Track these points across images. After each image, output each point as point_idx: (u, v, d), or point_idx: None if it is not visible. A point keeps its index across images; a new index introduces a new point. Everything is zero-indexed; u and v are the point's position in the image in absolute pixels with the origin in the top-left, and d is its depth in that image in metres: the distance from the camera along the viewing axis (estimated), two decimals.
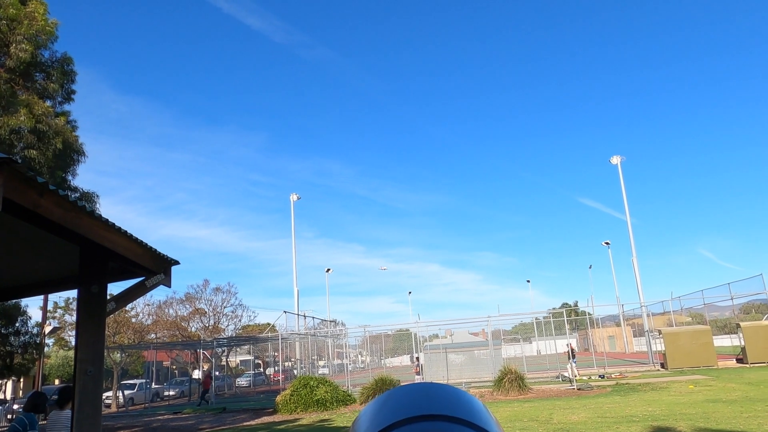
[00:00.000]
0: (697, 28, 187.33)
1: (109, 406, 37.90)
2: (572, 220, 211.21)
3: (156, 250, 7.16)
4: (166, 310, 49.06)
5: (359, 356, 74.52)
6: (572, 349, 29.79)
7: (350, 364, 51.51)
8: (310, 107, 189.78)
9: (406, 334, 67.20)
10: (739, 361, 32.33)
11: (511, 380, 24.14)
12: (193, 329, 50.02)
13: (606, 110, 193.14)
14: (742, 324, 32.60)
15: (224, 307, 50.29)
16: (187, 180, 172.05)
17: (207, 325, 49.36)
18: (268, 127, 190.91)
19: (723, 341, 48.03)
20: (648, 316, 43.02)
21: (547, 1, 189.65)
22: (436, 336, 45.56)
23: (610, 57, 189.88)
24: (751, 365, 30.02)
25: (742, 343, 31.73)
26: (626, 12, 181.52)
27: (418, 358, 33.62)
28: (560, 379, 30.97)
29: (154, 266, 7.21)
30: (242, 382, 55.34)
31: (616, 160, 53.39)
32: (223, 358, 51.53)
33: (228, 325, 51.31)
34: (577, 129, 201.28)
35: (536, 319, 52.13)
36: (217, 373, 45.47)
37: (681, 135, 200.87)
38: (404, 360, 72.08)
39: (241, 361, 68.48)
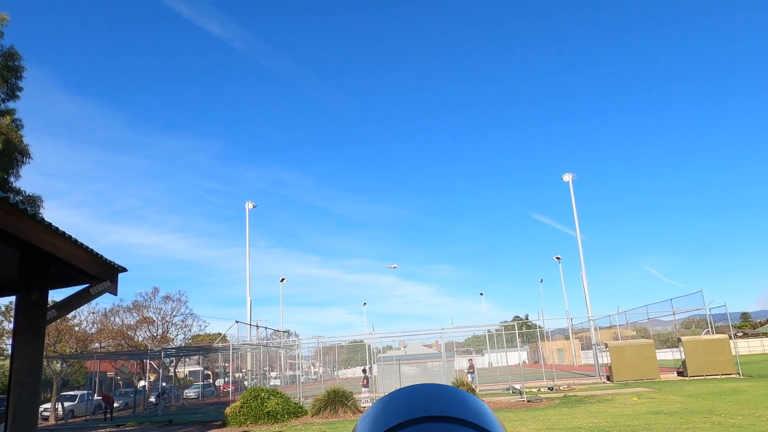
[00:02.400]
0: (644, 57, 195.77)
1: (47, 418, 36.16)
2: (525, 235, 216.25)
3: (102, 256, 6.91)
4: (112, 319, 47.31)
5: (312, 367, 73.73)
6: (471, 365, 31.81)
7: (302, 376, 50.87)
8: (269, 116, 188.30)
9: (360, 346, 66.94)
10: (679, 374, 33.60)
11: None
12: (140, 338, 48.41)
13: (559, 131, 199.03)
14: (683, 338, 33.95)
15: (174, 316, 48.90)
16: (138, 185, 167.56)
17: (155, 334, 47.86)
18: (224, 134, 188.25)
19: (665, 355, 49.81)
20: (595, 329, 44.27)
21: (503, 24, 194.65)
22: (390, 347, 45.61)
23: (564, 82, 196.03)
24: (691, 378, 31.24)
25: (683, 356, 33.01)
26: (581, 37, 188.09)
27: (365, 370, 33.77)
28: (511, 391, 31.45)
29: (99, 273, 6.96)
30: (190, 393, 53.84)
31: (567, 177, 54.93)
32: (171, 369, 50.03)
33: (177, 334, 49.89)
34: (532, 147, 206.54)
35: (488, 331, 52.91)
36: (164, 384, 44.08)
37: (629, 157, 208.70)
38: (357, 371, 71.71)
39: (189, 371, 66.65)
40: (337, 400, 24.56)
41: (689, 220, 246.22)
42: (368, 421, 0.87)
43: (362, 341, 60.51)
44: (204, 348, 46.34)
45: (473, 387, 29.14)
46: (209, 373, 65.54)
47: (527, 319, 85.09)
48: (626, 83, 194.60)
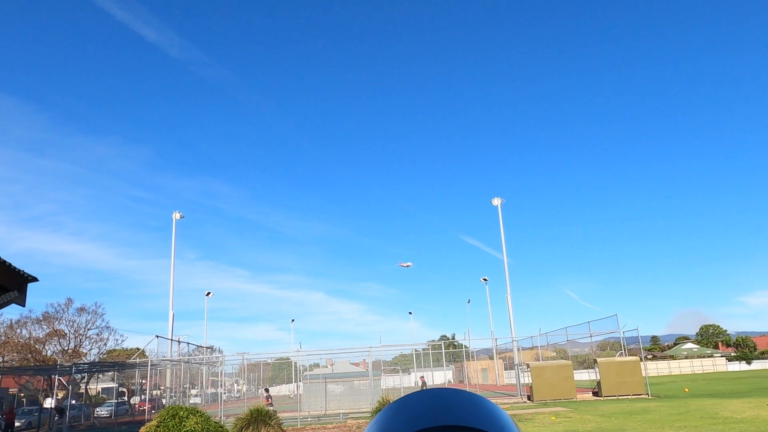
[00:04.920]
0: (576, 96, 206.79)
1: None
2: (454, 256, 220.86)
3: (10, 264, 6.46)
4: (18, 331, 44.13)
5: (235, 385, 71.47)
6: (423, 382, 31.99)
7: (225, 394, 49.21)
8: (202, 126, 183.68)
9: (286, 363, 65.63)
10: (595, 394, 35.08)
11: None
12: (50, 353, 45.36)
13: (490, 157, 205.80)
14: (598, 360, 35.53)
15: (88, 329, 46.24)
16: (58, 189, 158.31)
17: (66, 348, 45.00)
18: (154, 141, 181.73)
19: (582, 375, 51.93)
20: (518, 350, 45.57)
21: (440, 55, 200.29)
22: (317, 365, 44.97)
23: (501, 114, 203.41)
24: (605, 398, 32.69)
25: (598, 377, 34.53)
26: (518, 68, 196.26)
27: (267, 389, 33.39)
28: None
29: (6, 282, 6.50)
30: (102, 412, 50.76)
31: (496, 201, 56.68)
32: (82, 386, 47.06)
33: (91, 348, 47.17)
34: (463, 171, 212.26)
35: (416, 350, 53.26)
36: (73, 401, 41.36)
37: (554, 187, 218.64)
38: (282, 390, 70.17)
39: (102, 388, 62.93)
40: (260, 420, 23.89)
41: (607, 248, 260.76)
42: (376, 430, 0.81)
43: (289, 359, 59.39)
44: (120, 363, 43.96)
45: None
46: (124, 390, 62.14)
47: (454, 338, 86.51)
48: (556, 122, 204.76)
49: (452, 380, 72.83)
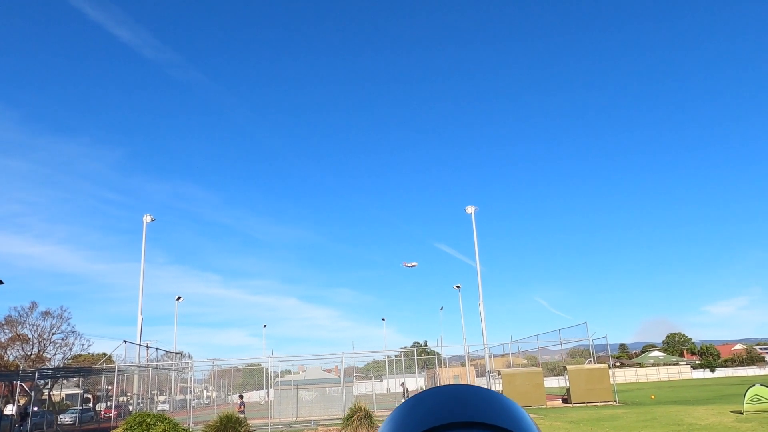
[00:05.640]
0: (551, 115, 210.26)
1: None
2: (428, 263, 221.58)
3: None
4: None
5: (205, 392, 70.38)
6: (405, 389, 31.69)
7: (194, 400, 48.43)
8: (176, 129, 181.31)
9: (257, 370, 64.87)
10: (564, 401, 35.55)
11: (360, 418, 24.25)
12: (11, 358, 44.04)
13: (466, 165, 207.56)
14: (568, 367, 36.06)
15: (52, 334, 45.08)
16: (23, 190, 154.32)
17: (29, 353, 43.75)
18: (126, 143, 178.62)
19: (552, 382, 52.55)
20: (490, 357, 45.93)
21: (409, 60, 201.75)
22: (289, 372, 44.61)
23: (477, 124, 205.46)
24: (574, 405, 33.15)
25: (568, 384, 35.01)
26: (491, 78, 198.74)
27: (241, 396, 33.13)
28: None
29: None
30: (66, 419, 49.42)
31: (470, 209, 57.11)
32: (45, 392, 45.77)
33: (55, 354, 45.97)
34: (439, 179, 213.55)
35: (388, 357, 53.26)
36: (36, 408, 40.20)
37: (527, 196, 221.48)
38: (253, 396, 69.31)
39: (66, 395, 61.29)
40: (230, 427, 23.61)
41: (578, 257, 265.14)
42: (392, 426, 0.80)
43: (260, 365, 58.76)
44: (85, 369, 42.92)
45: None
46: (89, 396, 60.65)
47: (426, 345, 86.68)
48: (530, 134, 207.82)
49: (424, 387, 72.92)
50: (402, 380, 38.72)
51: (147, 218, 57.69)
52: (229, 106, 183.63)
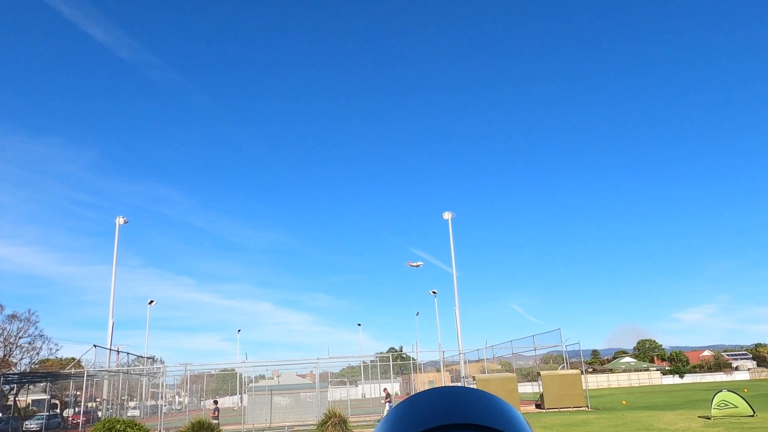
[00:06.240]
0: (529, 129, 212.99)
1: None
2: (405, 268, 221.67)
3: None
4: None
5: (177, 397, 69.21)
6: (388, 393, 31.51)
7: (166, 406, 47.60)
8: (151, 130, 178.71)
9: (231, 375, 64.14)
10: (537, 406, 35.87)
11: (334, 423, 24.12)
12: None
13: (442, 171, 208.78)
14: (542, 372, 36.42)
15: (19, 338, 43.92)
16: None
17: None
18: (99, 143, 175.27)
19: (526, 388, 52.97)
20: (465, 363, 46.13)
21: (388, 62, 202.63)
22: (263, 377, 44.17)
23: (455, 132, 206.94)
24: (547, 410, 33.47)
25: (541, 389, 35.35)
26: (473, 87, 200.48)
27: (216, 401, 32.86)
28: None
29: None
30: (32, 425, 48.14)
31: (447, 215, 57.38)
32: (11, 397, 44.54)
33: (22, 358, 44.78)
34: (416, 184, 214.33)
35: (363, 362, 53.08)
36: (0, 414, 39.10)
37: (504, 204, 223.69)
38: (226, 402, 68.39)
39: (33, 400, 59.71)
40: None
41: (552, 265, 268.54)
42: (386, 428, 0.80)
43: (234, 370, 58.07)
44: (52, 374, 41.90)
45: None
46: (57, 402, 59.20)
47: (402, 350, 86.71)
48: (507, 142, 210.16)
49: (399, 393, 72.90)
50: (385, 386, 38.65)
51: (120, 220, 56.69)
52: (206, 109, 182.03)
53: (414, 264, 69.39)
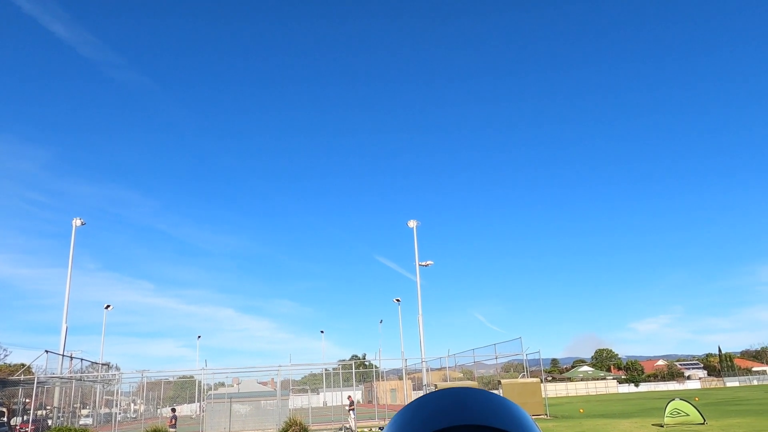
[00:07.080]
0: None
1: None
2: (368, 275, 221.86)
3: None
4: None
5: (132, 405, 67.32)
6: (351, 401, 31.39)
7: (120, 414, 46.23)
8: (112, 131, 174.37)
9: (189, 382, 62.73)
10: None
11: None
12: None
13: (408, 179, 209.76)
14: (502, 381, 36.84)
15: None
16: None
17: None
18: (56, 142, 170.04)
19: None
20: (427, 371, 46.25)
21: (365, 77, 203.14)
22: (223, 384, 43.40)
23: (422, 142, 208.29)
24: None
25: None
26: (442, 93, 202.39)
27: (173, 410, 32.21)
28: (342, 431, 31.47)
29: None
30: None
31: (412, 224, 57.57)
32: None
33: None
34: (382, 192, 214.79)
35: (326, 370, 52.74)
36: None
37: (467, 214, 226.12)
38: (184, 410, 66.85)
39: None
40: None
41: (514, 275, 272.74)
42: (395, 429, 0.80)
43: (192, 377, 56.87)
44: (0, 381, 40.18)
45: (353, 427, 29.30)
46: (4, 410, 56.79)
47: (365, 358, 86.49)
48: (473, 150, 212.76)
49: (361, 400, 72.60)
50: (348, 393, 38.47)
51: (76, 222, 54.92)
52: (171, 112, 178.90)
53: (424, 263, 69.95)
